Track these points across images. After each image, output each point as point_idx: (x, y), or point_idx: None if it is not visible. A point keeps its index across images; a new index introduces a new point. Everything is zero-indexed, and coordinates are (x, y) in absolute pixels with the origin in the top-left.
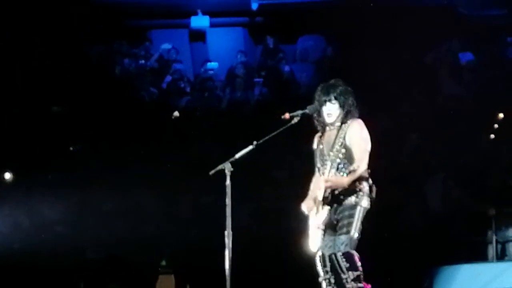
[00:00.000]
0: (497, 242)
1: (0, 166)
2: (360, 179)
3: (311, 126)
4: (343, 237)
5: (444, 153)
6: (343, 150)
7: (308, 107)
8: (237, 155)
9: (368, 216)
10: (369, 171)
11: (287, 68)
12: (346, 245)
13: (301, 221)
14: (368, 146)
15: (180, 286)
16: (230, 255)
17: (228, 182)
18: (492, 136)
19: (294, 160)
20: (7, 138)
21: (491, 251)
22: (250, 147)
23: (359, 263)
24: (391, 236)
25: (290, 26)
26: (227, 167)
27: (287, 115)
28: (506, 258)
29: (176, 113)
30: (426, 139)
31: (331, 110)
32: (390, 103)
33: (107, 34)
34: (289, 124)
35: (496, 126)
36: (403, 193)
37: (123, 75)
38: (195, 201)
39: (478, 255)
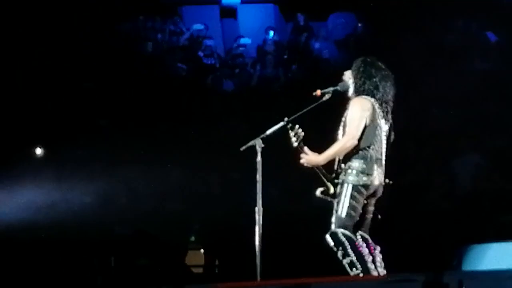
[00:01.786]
0: None
1: (31, 142)
2: (349, 156)
3: (342, 103)
4: (332, 217)
5: (474, 132)
6: (342, 127)
7: (340, 84)
8: (268, 132)
9: (396, 195)
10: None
11: (317, 45)
12: (334, 224)
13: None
14: (354, 123)
15: (209, 262)
16: (261, 231)
17: (259, 158)
18: None
19: (326, 137)
20: (39, 114)
21: None
22: (281, 124)
23: (343, 238)
24: (420, 215)
25: (320, 3)
26: (258, 143)
27: (318, 92)
28: None
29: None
30: (456, 119)
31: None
32: (419, 82)
33: (139, 9)
34: (320, 101)
35: None
36: (432, 172)
37: (155, 51)
38: (224, 177)
39: (507, 234)
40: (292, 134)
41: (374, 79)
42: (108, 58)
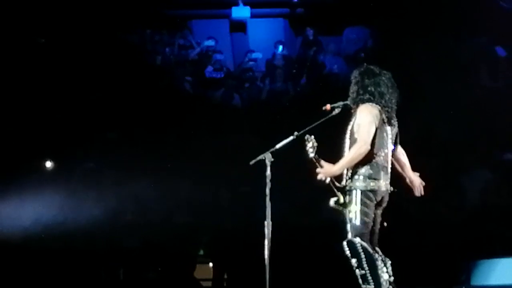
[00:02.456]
0: None
1: (41, 154)
2: (358, 163)
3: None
4: (347, 226)
5: (483, 146)
6: (349, 137)
7: (349, 99)
8: (278, 146)
9: (404, 209)
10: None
11: (326, 59)
12: (350, 232)
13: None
14: (365, 129)
15: (218, 275)
16: (269, 245)
17: (268, 172)
18: None
19: (335, 151)
20: (48, 126)
21: None
22: (291, 138)
23: (360, 250)
24: (428, 229)
25: (330, 18)
26: (268, 157)
27: (328, 106)
28: None
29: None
30: (464, 133)
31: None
32: (428, 95)
33: (148, 23)
34: (330, 115)
35: None
36: (441, 187)
37: (164, 64)
38: (234, 191)
39: None
40: (309, 145)
41: (369, 87)
42: (117, 71)
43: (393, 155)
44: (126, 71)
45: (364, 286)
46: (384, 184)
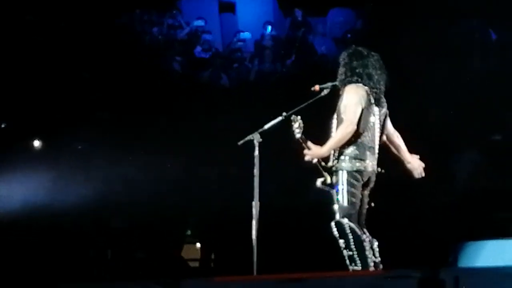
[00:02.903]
0: None
1: (29, 134)
2: (344, 143)
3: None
4: (335, 206)
5: (472, 129)
6: (336, 117)
7: (338, 80)
8: (266, 126)
9: (393, 191)
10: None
11: (315, 40)
12: (337, 213)
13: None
14: (351, 109)
15: (205, 256)
16: (257, 225)
17: (256, 152)
18: None
19: (324, 132)
20: (36, 106)
21: None
22: (279, 118)
23: (348, 230)
24: (416, 211)
25: None
26: (256, 137)
27: (317, 87)
28: None
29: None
30: (454, 115)
31: None
32: (417, 78)
33: (138, 2)
34: (318, 96)
35: None
36: (429, 169)
37: (153, 44)
38: (222, 171)
39: (503, 232)
40: (295, 125)
41: (357, 69)
42: (107, 51)
43: (388, 138)
44: (115, 51)
45: (352, 266)
46: (370, 165)
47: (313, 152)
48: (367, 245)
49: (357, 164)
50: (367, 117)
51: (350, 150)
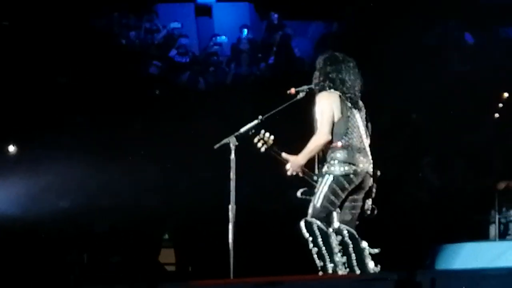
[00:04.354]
0: (499, 221)
1: (4, 139)
2: (332, 149)
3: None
4: (310, 205)
5: (449, 130)
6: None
7: (314, 84)
8: (242, 130)
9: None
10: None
11: (291, 43)
12: (309, 213)
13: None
14: (323, 118)
15: (182, 260)
16: (234, 229)
17: (233, 156)
18: (497, 115)
19: (299, 135)
20: (11, 110)
21: (493, 230)
22: (255, 122)
23: (315, 228)
24: (394, 214)
25: (295, 2)
26: (232, 141)
27: (292, 90)
28: (508, 237)
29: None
30: (431, 117)
31: None
32: (396, 82)
33: (113, 6)
34: (294, 99)
35: (500, 105)
36: (406, 171)
37: (129, 48)
38: (198, 175)
39: (480, 234)
40: (256, 140)
41: (331, 74)
42: (83, 54)
43: None
44: (92, 55)
45: (321, 264)
46: (361, 167)
47: (292, 165)
48: (334, 246)
49: (346, 168)
50: (347, 120)
51: (339, 154)
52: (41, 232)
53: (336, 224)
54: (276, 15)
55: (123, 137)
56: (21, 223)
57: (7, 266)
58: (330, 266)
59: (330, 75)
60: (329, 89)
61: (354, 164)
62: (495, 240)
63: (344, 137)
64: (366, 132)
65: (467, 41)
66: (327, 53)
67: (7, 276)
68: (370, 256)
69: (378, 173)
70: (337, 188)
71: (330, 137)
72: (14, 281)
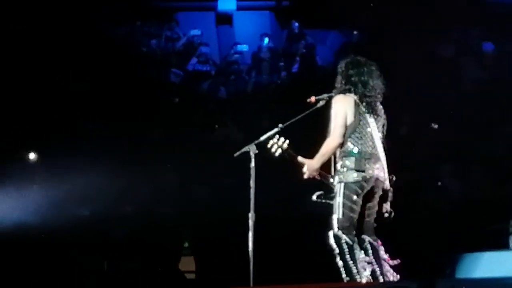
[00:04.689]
0: None
1: (25, 145)
2: (342, 155)
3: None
4: (332, 218)
5: (468, 139)
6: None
7: (334, 90)
8: (262, 138)
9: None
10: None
11: (312, 52)
12: (334, 225)
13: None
14: (336, 121)
15: (202, 267)
16: (254, 237)
17: (252, 164)
18: None
19: (319, 144)
20: (32, 117)
21: None
22: (276, 130)
23: (343, 241)
24: (413, 222)
25: (315, 10)
26: (252, 149)
27: (312, 99)
28: None
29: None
30: (449, 125)
31: None
32: (414, 88)
33: (135, 14)
34: (314, 108)
35: None
36: (426, 180)
37: (149, 56)
38: (218, 183)
39: (500, 244)
40: (270, 144)
41: (353, 78)
42: (105, 62)
43: None
44: (115, 62)
45: (347, 277)
46: (370, 173)
47: (308, 168)
48: (360, 263)
49: (354, 175)
50: (361, 126)
51: (349, 161)
52: (61, 239)
53: (334, 230)
54: (297, 24)
55: (143, 144)
56: (41, 230)
57: (26, 274)
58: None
59: (353, 78)
60: (349, 92)
61: (363, 171)
62: None
63: (355, 142)
64: (380, 138)
65: (487, 50)
66: (348, 57)
67: (26, 284)
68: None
69: (394, 178)
70: (351, 194)
71: (342, 140)
72: (34, 286)
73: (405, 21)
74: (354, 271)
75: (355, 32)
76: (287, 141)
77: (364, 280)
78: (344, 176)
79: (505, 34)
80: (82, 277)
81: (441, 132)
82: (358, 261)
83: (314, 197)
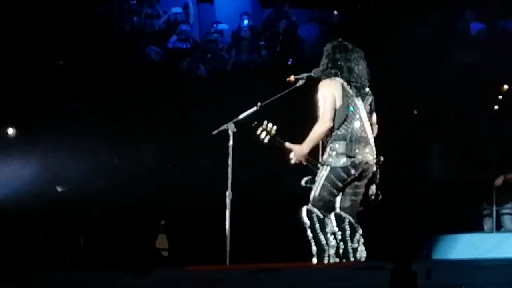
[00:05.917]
0: (496, 213)
1: (3, 121)
2: (331, 139)
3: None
4: (310, 193)
5: (447, 123)
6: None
7: (313, 70)
8: (241, 116)
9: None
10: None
11: (292, 31)
12: (310, 201)
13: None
14: (325, 106)
15: (177, 245)
16: (231, 215)
17: (231, 142)
18: (496, 107)
19: (298, 123)
20: (10, 94)
21: (489, 222)
22: (254, 109)
23: (315, 219)
24: (391, 205)
25: None
26: (231, 127)
27: (292, 78)
28: (502, 229)
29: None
30: (428, 109)
31: None
32: (395, 72)
33: None
34: (293, 87)
35: (500, 97)
36: (404, 162)
37: (130, 33)
38: (196, 161)
39: (475, 226)
40: (259, 131)
41: (339, 62)
42: (83, 39)
43: None
44: (93, 39)
45: (315, 248)
46: (360, 158)
47: (296, 154)
48: (329, 229)
49: (344, 160)
50: (348, 109)
51: (338, 145)
52: (38, 214)
53: (336, 210)
54: (278, 2)
55: (121, 122)
56: (18, 205)
57: (3, 248)
58: (323, 250)
59: (339, 63)
60: (334, 76)
61: (352, 157)
62: (491, 232)
63: (344, 126)
64: (369, 121)
65: (468, 32)
66: (335, 41)
67: (2, 258)
68: (352, 239)
69: (381, 159)
70: (336, 180)
71: (332, 124)
72: (10, 262)
73: (390, 2)
74: (323, 241)
75: (335, 12)
76: (275, 127)
77: (332, 250)
78: (332, 160)
79: (488, 15)
80: (58, 251)
81: (419, 115)
82: (328, 234)
83: (302, 183)
